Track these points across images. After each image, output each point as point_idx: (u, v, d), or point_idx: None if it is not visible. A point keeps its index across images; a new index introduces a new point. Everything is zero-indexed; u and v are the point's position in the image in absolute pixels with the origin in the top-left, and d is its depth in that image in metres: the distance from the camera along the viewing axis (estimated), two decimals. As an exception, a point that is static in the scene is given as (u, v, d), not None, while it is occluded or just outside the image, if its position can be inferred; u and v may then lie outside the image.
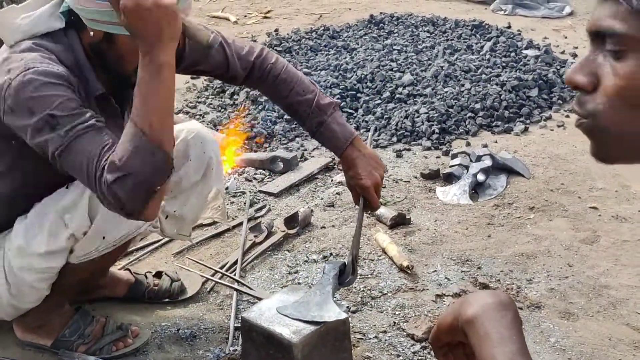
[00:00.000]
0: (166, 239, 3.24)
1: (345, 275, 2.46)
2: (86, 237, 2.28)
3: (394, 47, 5.61)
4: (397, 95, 4.76)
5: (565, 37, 6.26)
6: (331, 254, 3.17)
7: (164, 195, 2.22)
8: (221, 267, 3.07)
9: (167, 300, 2.86)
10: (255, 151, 4.21)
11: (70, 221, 2.26)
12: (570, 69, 1.10)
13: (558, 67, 5.25)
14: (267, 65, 2.60)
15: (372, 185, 2.51)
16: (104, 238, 2.26)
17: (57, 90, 2.03)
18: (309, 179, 3.89)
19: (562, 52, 5.77)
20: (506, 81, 4.85)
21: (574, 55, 5.68)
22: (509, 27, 6.31)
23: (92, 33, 2.14)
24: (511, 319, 1.18)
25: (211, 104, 4.96)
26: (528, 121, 4.54)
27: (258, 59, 2.60)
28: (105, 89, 2.23)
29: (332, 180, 3.87)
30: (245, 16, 7.23)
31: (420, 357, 2.53)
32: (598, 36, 1.06)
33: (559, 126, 4.49)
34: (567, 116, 4.64)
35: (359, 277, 2.98)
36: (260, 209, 3.59)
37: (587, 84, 1.07)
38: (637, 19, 1.00)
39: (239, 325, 2.67)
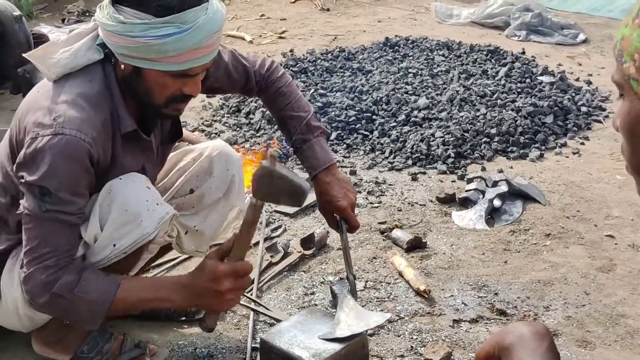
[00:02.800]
0: (183, 257, 3.25)
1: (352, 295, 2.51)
2: (97, 243, 2.30)
3: (409, 70, 5.63)
4: (413, 119, 4.77)
5: (580, 65, 6.27)
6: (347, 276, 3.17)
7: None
8: (238, 287, 3.07)
9: (184, 318, 2.86)
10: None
11: (82, 228, 2.29)
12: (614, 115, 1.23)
13: (573, 94, 5.27)
14: (274, 77, 2.73)
15: (348, 205, 2.62)
16: (114, 246, 2.28)
17: (71, 167, 2.15)
18: (325, 200, 3.89)
19: (577, 79, 5.78)
20: (522, 107, 4.86)
21: (589, 83, 5.69)
22: (523, 52, 6.33)
23: (122, 66, 2.23)
24: (546, 348, 1.20)
25: (227, 122, 4.98)
26: (543, 147, 4.54)
27: (268, 71, 2.74)
28: (135, 122, 2.32)
29: (347, 202, 3.87)
30: (260, 36, 7.26)
31: (437, 383, 2.53)
32: None
33: (574, 153, 4.50)
34: (582, 143, 4.64)
35: (375, 300, 3.00)
36: (276, 229, 3.60)
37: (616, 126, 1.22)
38: (619, 68, 1.14)
39: (256, 345, 2.68)
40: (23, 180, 2.17)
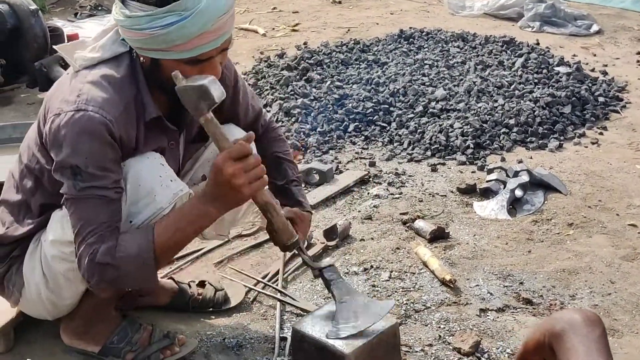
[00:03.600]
0: (206, 249, 3.26)
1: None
2: None
3: (425, 62, 5.62)
4: (430, 110, 4.76)
5: (594, 55, 6.25)
6: (371, 266, 3.17)
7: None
8: (263, 277, 3.08)
9: (211, 309, 2.86)
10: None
11: None
12: None
13: (590, 85, 5.25)
14: (275, 126, 2.87)
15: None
16: (131, 222, 2.28)
17: (93, 143, 2.16)
18: (345, 191, 3.89)
19: (592, 70, 5.76)
20: (539, 97, 4.85)
21: (605, 73, 5.67)
22: (538, 43, 6.31)
23: (142, 58, 2.27)
24: (599, 334, 1.19)
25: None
26: (562, 138, 4.53)
27: (270, 118, 2.88)
28: (161, 111, 2.33)
29: (368, 193, 3.87)
30: (273, 29, 7.25)
31: (467, 371, 2.53)
32: None
33: (592, 143, 4.48)
34: (601, 133, 4.63)
35: (400, 289, 3.00)
36: (299, 220, 3.59)
37: None
38: None
39: (284, 335, 2.69)
40: (54, 165, 2.20)
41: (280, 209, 2.41)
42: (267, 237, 3.31)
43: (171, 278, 2.96)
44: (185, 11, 2.09)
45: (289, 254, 3.20)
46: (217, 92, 2.13)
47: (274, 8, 8.00)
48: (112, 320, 2.60)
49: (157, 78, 2.27)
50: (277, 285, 3.02)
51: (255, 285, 3.03)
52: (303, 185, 2.86)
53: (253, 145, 2.30)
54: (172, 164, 2.47)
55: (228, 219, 2.75)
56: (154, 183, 2.28)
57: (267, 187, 2.32)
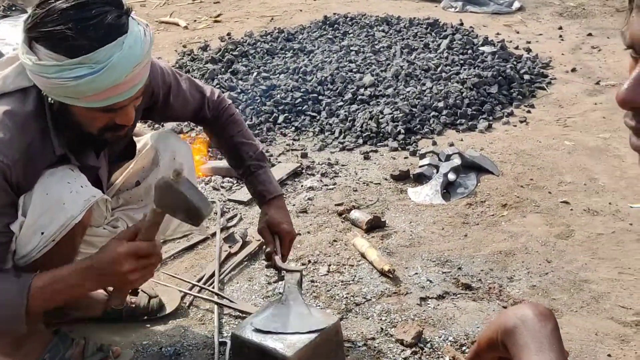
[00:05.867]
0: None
1: (300, 286, 2.46)
2: (22, 232, 2.16)
3: (351, 48, 5.59)
4: (360, 97, 4.73)
5: (517, 32, 6.32)
6: (309, 261, 3.12)
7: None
8: (198, 281, 3.00)
9: (145, 318, 2.77)
10: (221, 159, 4.13)
11: None
12: (626, 89, 1.02)
13: (515, 63, 5.29)
14: (224, 105, 2.71)
15: (293, 235, 2.65)
16: (42, 234, 2.16)
17: None
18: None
19: (516, 48, 5.81)
20: (466, 78, 4.86)
21: (528, 50, 5.73)
22: (462, 24, 6.33)
23: (49, 99, 2.12)
24: (551, 329, 1.17)
25: (170, 112, 4.86)
26: (491, 118, 4.56)
27: (218, 98, 2.72)
28: (68, 148, 2.21)
29: (302, 186, 3.82)
30: (195, 21, 7.13)
31: (411, 363, 2.51)
32: None
33: (521, 122, 4.52)
34: (529, 112, 4.67)
35: (340, 283, 2.96)
36: (232, 218, 3.53)
37: None
38: None
39: (224, 340, 2.62)
40: None
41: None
42: (199, 238, 3.26)
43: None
44: (97, 64, 1.94)
45: (223, 255, 3.13)
46: (200, 222, 2.02)
47: (195, -1, 7.87)
48: (42, 337, 2.49)
49: (65, 119, 2.13)
50: (213, 287, 2.95)
51: (190, 289, 2.95)
52: (267, 164, 2.73)
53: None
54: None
55: (161, 227, 2.66)
56: (62, 190, 2.15)
57: None
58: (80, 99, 2.02)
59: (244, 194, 3.70)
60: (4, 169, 2.03)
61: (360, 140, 4.30)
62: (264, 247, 3.15)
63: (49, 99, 2.11)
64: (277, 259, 2.52)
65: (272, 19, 6.98)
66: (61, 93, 2.02)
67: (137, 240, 2.07)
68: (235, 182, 3.89)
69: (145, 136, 2.73)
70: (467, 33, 5.99)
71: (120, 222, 2.61)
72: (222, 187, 3.85)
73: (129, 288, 2.19)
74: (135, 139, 2.74)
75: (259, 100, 4.76)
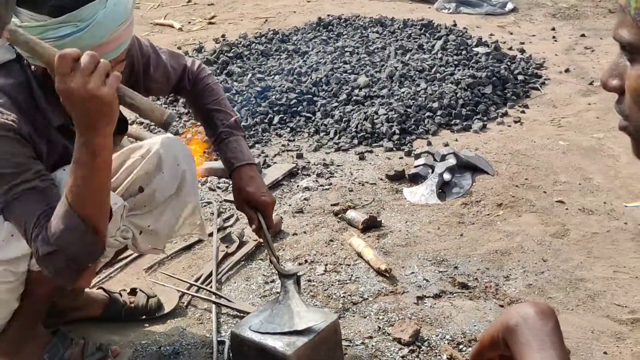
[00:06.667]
0: (135, 255, 3.16)
1: (298, 286, 2.46)
2: None
3: (346, 49, 5.60)
4: (354, 98, 4.75)
5: (511, 34, 6.34)
6: (306, 260, 3.13)
7: (97, 268, 2.32)
8: (196, 280, 3.01)
9: (144, 317, 2.78)
10: (216, 159, 4.15)
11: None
12: (603, 73, 1.12)
13: (509, 64, 5.32)
14: (203, 75, 2.70)
15: (272, 203, 2.56)
16: None
17: (1, 145, 2.01)
18: (274, 185, 3.84)
19: (510, 49, 5.84)
20: (461, 79, 4.88)
21: (522, 51, 5.76)
22: (455, 25, 6.36)
23: (32, 67, 2.11)
24: (552, 327, 1.18)
25: (165, 113, 4.86)
26: (485, 118, 4.58)
27: (198, 69, 2.71)
28: (64, 117, 2.17)
29: (297, 186, 3.83)
30: (190, 22, 7.13)
31: (409, 361, 2.52)
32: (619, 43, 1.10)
33: (515, 122, 4.54)
34: (523, 112, 4.70)
35: (337, 282, 2.97)
36: (228, 218, 3.54)
37: (617, 87, 1.10)
38: (637, 27, 1.04)
39: (222, 339, 2.63)
40: None
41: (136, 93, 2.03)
42: (196, 239, 3.27)
43: (101, 288, 2.86)
44: (81, 22, 1.94)
45: (220, 255, 3.14)
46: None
47: (189, 1, 7.88)
48: (42, 337, 2.50)
49: (51, 86, 2.05)
50: (211, 287, 2.96)
51: (188, 289, 2.96)
52: (240, 133, 2.65)
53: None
54: None
55: (163, 234, 2.64)
56: None
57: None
58: None
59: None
60: (12, 126, 2.02)
61: (356, 141, 4.32)
62: (261, 246, 3.18)
63: (32, 67, 2.10)
64: (275, 262, 2.50)
65: (266, 20, 6.99)
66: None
67: None
68: (231, 182, 3.89)
69: (147, 141, 2.72)
70: (461, 34, 6.01)
71: (129, 232, 2.59)
72: (219, 187, 3.86)
73: (107, 97, 1.85)
74: (137, 143, 2.75)
75: (254, 102, 4.77)
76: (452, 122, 4.51)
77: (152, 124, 4.23)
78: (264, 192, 2.56)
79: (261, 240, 2.56)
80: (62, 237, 1.98)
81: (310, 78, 5.01)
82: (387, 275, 2.98)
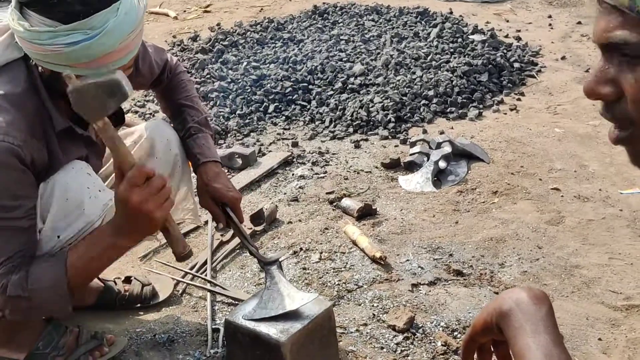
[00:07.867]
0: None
1: (280, 269, 2.46)
2: (41, 236, 2.19)
3: (341, 37, 5.59)
4: (350, 86, 4.74)
5: (507, 21, 6.32)
6: (301, 248, 3.13)
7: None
8: (191, 269, 3.01)
9: (139, 305, 2.78)
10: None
11: None
12: (589, 81, 1.06)
13: (505, 51, 5.30)
14: (179, 71, 2.75)
15: (239, 198, 2.61)
16: (58, 237, 2.18)
17: (3, 176, 2.03)
18: (270, 174, 3.84)
19: (506, 36, 5.82)
20: (456, 67, 4.87)
21: (518, 39, 5.74)
22: (451, 12, 6.34)
23: (40, 68, 2.12)
24: (546, 311, 1.19)
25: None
26: (481, 106, 4.57)
27: (175, 64, 2.75)
28: (69, 119, 2.20)
29: (293, 175, 3.82)
30: (185, 11, 7.11)
31: (403, 348, 2.52)
32: (609, 46, 1.03)
33: (511, 109, 4.53)
34: (519, 99, 4.69)
35: (332, 270, 2.97)
36: (223, 207, 3.52)
37: (611, 94, 1.05)
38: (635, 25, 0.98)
39: (216, 327, 2.63)
40: None
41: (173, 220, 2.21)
42: (192, 226, 3.26)
43: (95, 276, 2.86)
44: (91, 30, 1.93)
45: (215, 243, 3.14)
46: (129, 85, 1.97)
47: (184, -10, 7.84)
48: (36, 325, 2.49)
49: (59, 88, 2.09)
50: (205, 275, 2.95)
51: (183, 277, 2.96)
52: (209, 131, 2.70)
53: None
54: (95, 161, 2.38)
55: None
56: (82, 195, 2.18)
57: None
58: (73, 67, 2.00)
59: (234, 183, 3.67)
60: (17, 151, 2.02)
61: (351, 129, 4.31)
62: (255, 234, 3.19)
63: (39, 68, 2.11)
64: (255, 251, 2.49)
65: (261, 9, 6.97)
66: (54, 60, 2.00)
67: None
68: (226, 171, 3.88)
69: (138, 127, 2.72)
70: (456, 22, 5.99)
71: None
72: (214, 176, 3.85)
73: (157, 221, 2.03)
74: (129, 129, 2.74)
75: (249, 90, 4.76)
76: (448, 110, 4.50)
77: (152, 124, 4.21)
78: (231, 188, 2.60)
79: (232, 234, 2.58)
80: (40, 292, 2.09)
81: (306, 66, 4.99)
82: (382, 262, 2.98)
